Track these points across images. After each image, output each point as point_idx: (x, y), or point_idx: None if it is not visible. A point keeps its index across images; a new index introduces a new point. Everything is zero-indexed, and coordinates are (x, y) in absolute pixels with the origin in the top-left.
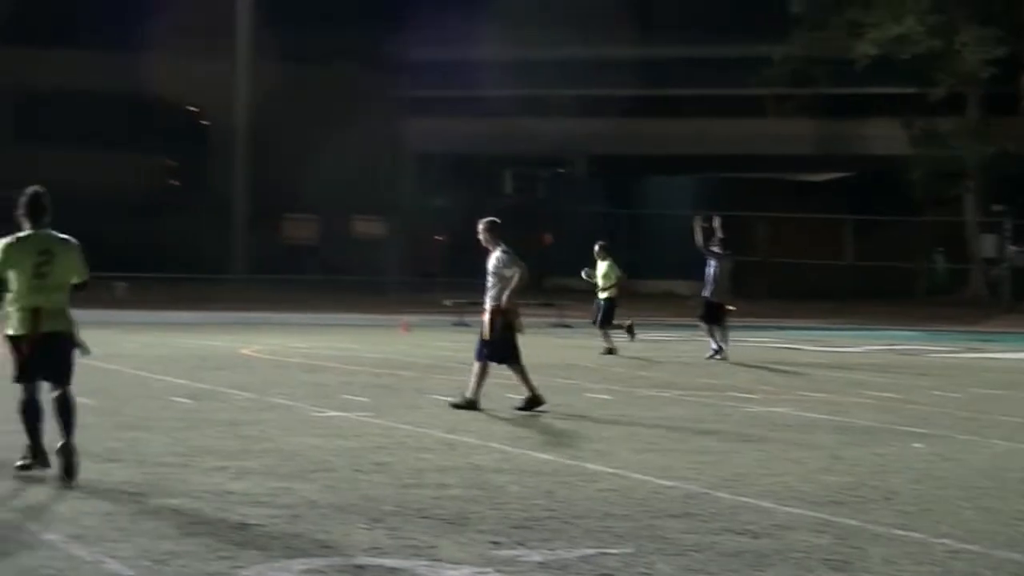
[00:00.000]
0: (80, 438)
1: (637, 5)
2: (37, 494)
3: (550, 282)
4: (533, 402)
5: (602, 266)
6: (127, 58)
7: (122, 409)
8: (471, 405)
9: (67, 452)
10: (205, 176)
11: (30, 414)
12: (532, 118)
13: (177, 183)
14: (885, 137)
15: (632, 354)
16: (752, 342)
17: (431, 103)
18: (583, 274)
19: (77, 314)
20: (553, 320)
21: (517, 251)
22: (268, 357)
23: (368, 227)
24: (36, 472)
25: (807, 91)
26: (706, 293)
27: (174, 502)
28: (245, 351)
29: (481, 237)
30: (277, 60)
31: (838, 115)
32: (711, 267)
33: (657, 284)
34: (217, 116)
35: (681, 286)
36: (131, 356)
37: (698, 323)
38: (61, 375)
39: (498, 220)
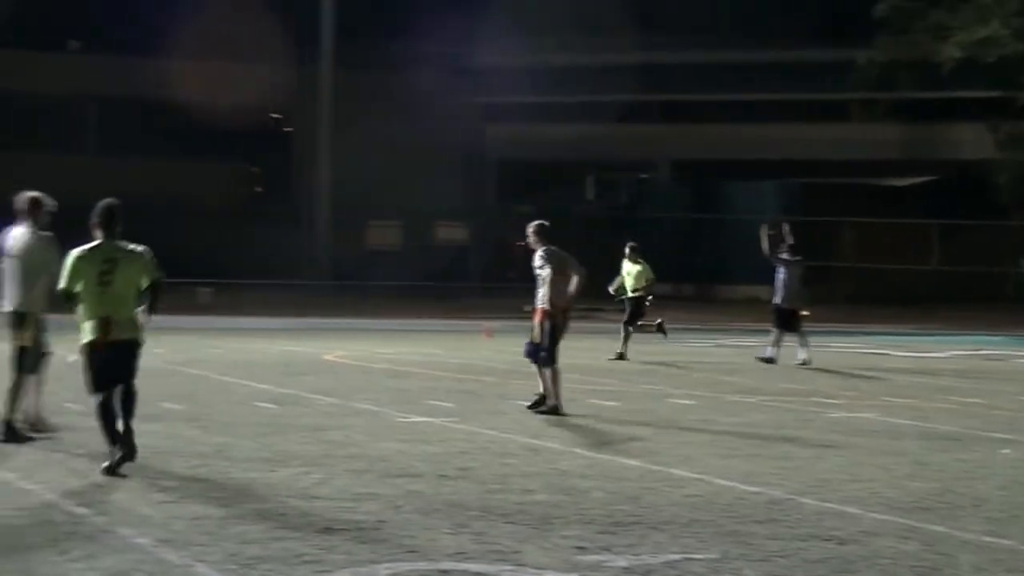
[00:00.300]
0: (168, 443)
1: (721, 10)
2: (127, 498)
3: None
4: (540, 403)
5: (633, 268)
6: (209, 66)
7: (208, 414)
8: (554, 411)
9: (125, 433)
10: (288, 183)
11: (107, 416)
12: (614, 123)
13: (261, 190)
14: (971, 141)
15: (717, 359)
16: (836, 347)
17: (513, 109)
18: (610, 289)
19: (161, 320)
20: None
21: (587, 255)
22: (352, 363)
23: (451, 233)
24: (122, 469)
25: (892, 95)
26: (777, 300)
27: (260, 507)
28: (329, 357)
29: (529, 240)
30: (359, 68)
31: (923, 119)
32: (780, 273)
33: (740, 289)
34: (300, 123)
35: (764, 291)
36: (215, 361)
37: (771, 330)
38: (128, 377)
39: (547, 223)
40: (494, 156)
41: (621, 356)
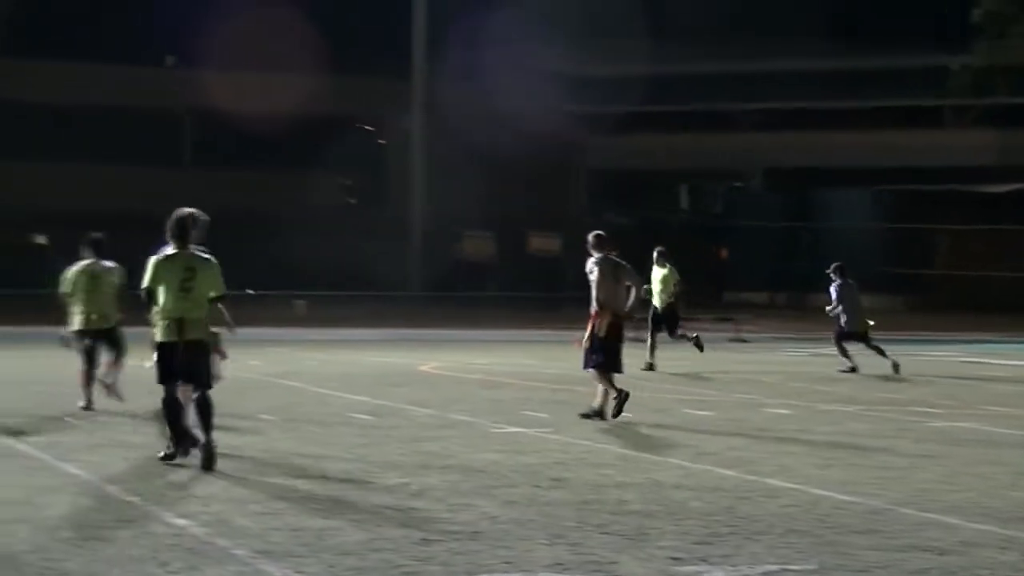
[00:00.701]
0: (264, 455)
1: (812, 16)
2: (225, 510)
3: (728, 296)
4: (597, 414)
5: (660, 272)
6: (302, 79)
7: (304, 426)
8: (621, 395)
9: (207, 448)
10: (382, 194)
11: (172, 409)
12: (707, 132)
13: (355, 201)
14: None
15: (812, 368)
16: (934, 356)
17: (606, 119)
18: (643, 293)
19: (257, 332)
20: (730, 335)
21: (682, 264)
22: (447, 373)
23: (544, 243)
24: (180, 460)
25: (987, 101)
26: (843, 325)
27: (357, 518)
28: (424, 368)
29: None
30: (453, 78)
31: (1020, 124)
32: (836, 298)
33: None
34: (393, 134)
35: (860, 300)
36: (311, 373)
37: (834, 343)
38: (200, 378)
39: (603, 233)
40: (587, 166)
41: (697, 341)
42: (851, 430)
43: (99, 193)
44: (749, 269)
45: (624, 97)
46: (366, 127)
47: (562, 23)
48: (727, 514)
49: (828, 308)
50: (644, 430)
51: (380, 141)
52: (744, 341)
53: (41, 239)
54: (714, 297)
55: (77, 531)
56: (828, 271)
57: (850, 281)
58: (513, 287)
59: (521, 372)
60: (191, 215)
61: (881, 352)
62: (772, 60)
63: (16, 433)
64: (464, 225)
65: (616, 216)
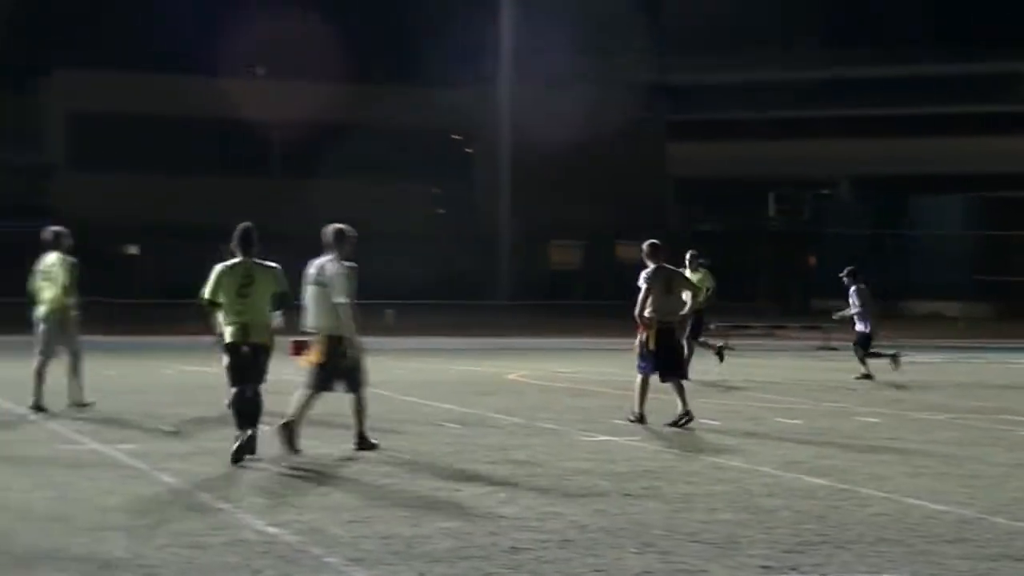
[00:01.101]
0: (354, 464)
1: (900, 23)
2: (317, 518)
3: (816, 304)
4: (686, 417)
5: (693, 276)
6: (389, 89)
7: (393, 434)
8: (639, 419)
9: (249, 439)
10: (470, 203)
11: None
12: (795, 140)
13: (443, 210)
14: None
15: (894, 378)
16: None
17: (693, 127)
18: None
19: None
20: (818, 343)
21: (770, 271)
22: (534, 382)
23: (631, 252)
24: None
25: None
26: (863, 327)
27: (447, 526)
28: (512, 376)
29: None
30: (540, 86)
31: None
32: (857, 302)
33: (924, 305)
34: (481, 143)
35: (948, 307)
36: (399, 382)
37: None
38: (257, 378)
39: (657, 242)
40: (675, 174)
41: (723, 351)
42: (941, 438)
43: (189, 204)
44: (837, 276)
45: (711, 105)
46: (454, 136)
47: (652, 32)
48: (818, 522)
49: (851, 311)
50: (734, 439)
51: (467, 150)
52: (833, 349)
53: (132, 249)
54: (802, 305)
55: (172, 538)
56: (841, 275)
57: (862, 286)
58: (600, 295)
59: (608, 380)
60: (340, 229)
61: (864, 361)
62: (859, 67)
63: (172, 432)
64: (551, 234)
65: (704, 223)
